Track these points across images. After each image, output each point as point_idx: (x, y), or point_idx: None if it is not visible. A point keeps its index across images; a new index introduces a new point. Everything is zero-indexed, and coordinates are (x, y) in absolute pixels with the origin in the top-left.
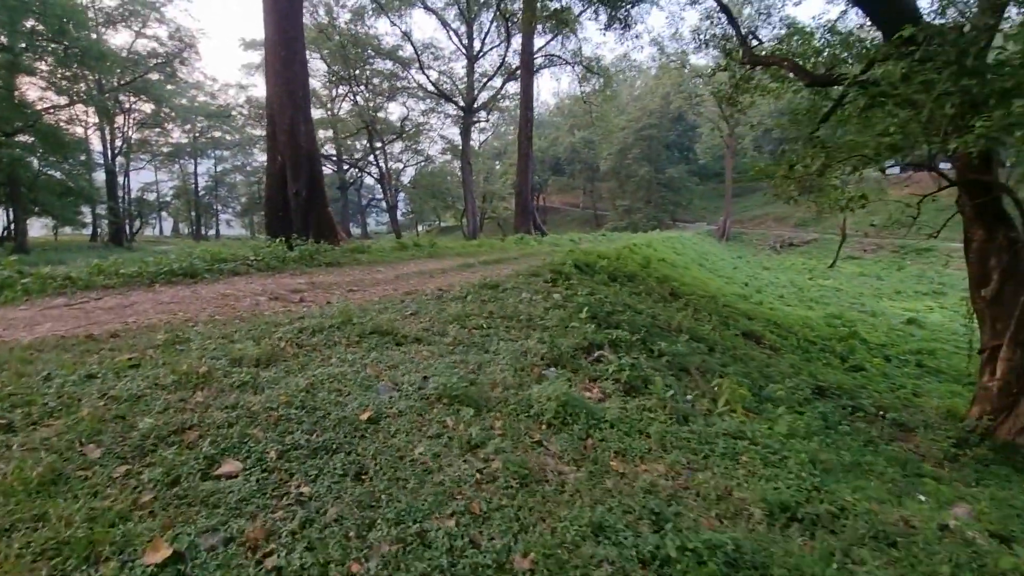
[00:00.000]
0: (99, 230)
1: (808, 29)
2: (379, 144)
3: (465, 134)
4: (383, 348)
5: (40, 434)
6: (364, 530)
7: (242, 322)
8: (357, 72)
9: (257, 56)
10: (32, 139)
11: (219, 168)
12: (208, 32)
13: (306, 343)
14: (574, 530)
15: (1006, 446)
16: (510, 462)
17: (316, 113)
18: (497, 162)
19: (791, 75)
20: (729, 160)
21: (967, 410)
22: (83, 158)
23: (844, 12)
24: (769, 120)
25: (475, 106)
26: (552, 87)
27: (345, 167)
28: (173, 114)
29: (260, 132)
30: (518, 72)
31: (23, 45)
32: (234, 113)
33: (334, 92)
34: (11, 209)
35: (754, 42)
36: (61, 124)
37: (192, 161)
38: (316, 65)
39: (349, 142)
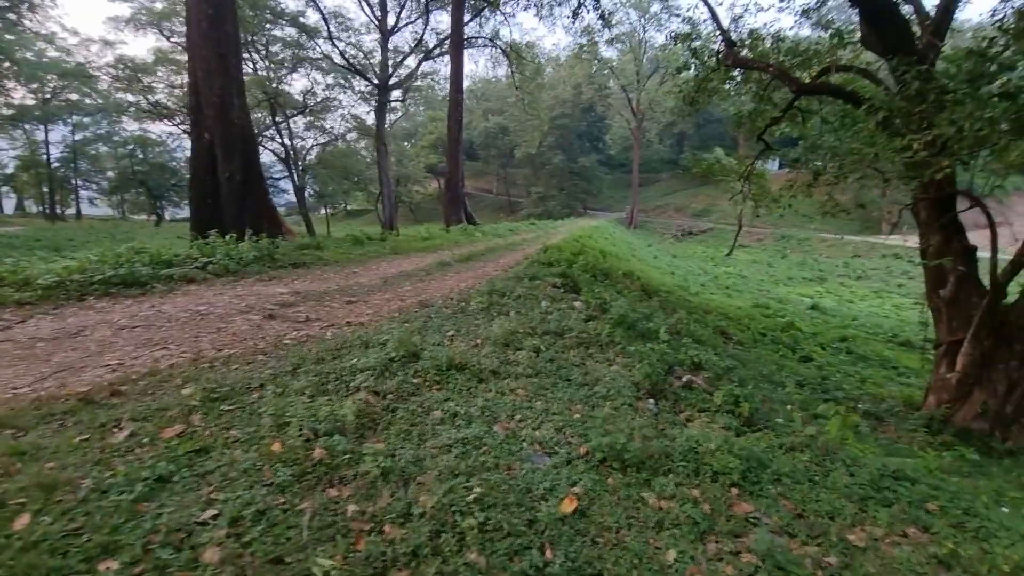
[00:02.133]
0: None
1: (786, 36)
2: (280, 119)
3: (380, 113)
4: (473, 390)
5: None
6: None
7: (269, 358)
8: (253, 37)
9: (127, 8)
10: None
11: (78, 137)
12: None
13: (386, 390)
14: None
15: (962, 431)
16: (766, 555)
17: None
18: (407, 143)
19: (775, 80)
20: (636, 151)
21: (923, 399)
22: None
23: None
24: (673, 116)
25: (390, 84)
26: (468, 69)
27: None
28: (15, 69)
29: (132, 97)
30: (435, 51)
31: None
32: (98, 74)
33: None
34: None
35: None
36: None
37: (42, 127)
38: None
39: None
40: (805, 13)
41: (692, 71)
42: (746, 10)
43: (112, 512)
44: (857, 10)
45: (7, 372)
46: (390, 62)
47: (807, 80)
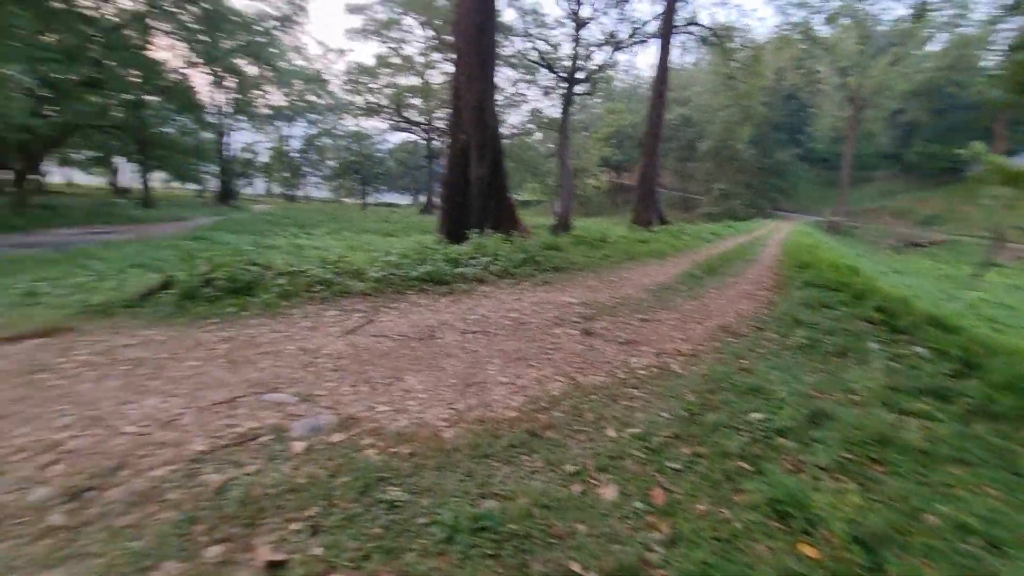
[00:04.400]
0: (203, 187)
1: None
2: None
3: (565, 107)
4: (926, 480)
5: None
6: None
7: (644, 393)
8: (453, 39)
9: (359, 21)
10: (159, 99)
11: (312, 131)
12: None
13: (826, 466)
14: None
15: None
16: None
17: (412, 80)
18: (581, 134)
19: None
20: (849, 144)
21: None
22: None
23: None
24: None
25: (577, 77)
26: (654, 58)
27: (433, 137)
28: (275, 76)
29: (350, 98)
30: (627, 41)
31: (160, 5)
32: (331, 78)
33: (427, 59)
34: (143, 165)
35: None
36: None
37: (287, 123)
38: (418, 32)
39: (438, 113)
40: None
41: None
42: None
43: None
44: None
45: (424, 378)
46: (580, 55)
47: None
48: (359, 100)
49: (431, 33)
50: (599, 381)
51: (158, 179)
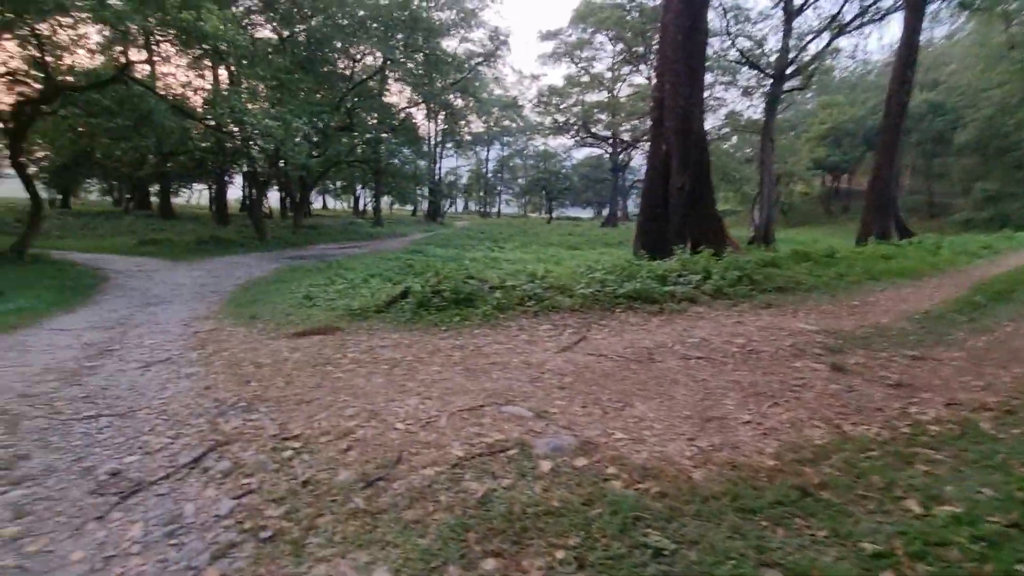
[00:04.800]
0: (416, 207)
1: None
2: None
3: (770, 107)
4: None
5: None
6: None
7: (944, 456)
8: (643, 50)
9: (550, 46)
10: (390, 135)
11: (504, 153)
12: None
13: None
14: None
15: None
16: None
17: (600, 96)
18: (788, 134)
19: None
20: None
21: None
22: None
23: None
24: None
25: (787, 72)
26: (892, 36)
27: (619, 148)
28: (478, 107)
29: (540, 119)
30: (853, 23)
31: (396, 57)
32: (524, 103)
33: (615, 74)
34: (376, 191)
35: None
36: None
37: (485, 148)
38: (608, 48)
39: (625, 126)
40: None
41: None
42: None
43: None
44: None
45: (655, 406)
46: (789, 46)
47: None
48: (547, 120)
49: (620, 47)
50: (874, 433)
51: (384, 202)
